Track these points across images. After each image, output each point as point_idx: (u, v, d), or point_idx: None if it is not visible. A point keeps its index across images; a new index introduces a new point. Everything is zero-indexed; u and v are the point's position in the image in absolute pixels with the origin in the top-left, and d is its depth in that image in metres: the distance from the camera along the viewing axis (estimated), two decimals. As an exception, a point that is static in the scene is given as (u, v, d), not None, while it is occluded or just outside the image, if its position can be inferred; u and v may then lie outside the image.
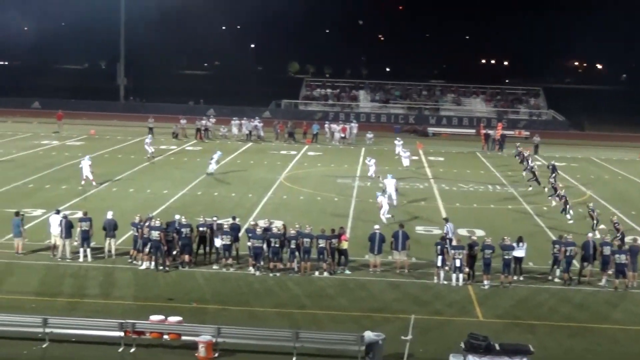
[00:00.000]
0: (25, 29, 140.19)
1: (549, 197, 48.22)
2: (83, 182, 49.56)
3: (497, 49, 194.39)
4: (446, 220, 36.32)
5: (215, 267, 33.01)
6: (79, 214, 35.62)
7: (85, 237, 33.48)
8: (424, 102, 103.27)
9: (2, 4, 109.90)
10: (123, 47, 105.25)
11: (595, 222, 40.50)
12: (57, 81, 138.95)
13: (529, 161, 57.71)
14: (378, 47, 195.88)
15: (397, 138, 67.45)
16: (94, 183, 49.67)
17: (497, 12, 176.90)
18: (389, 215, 42.18)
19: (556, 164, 54.83)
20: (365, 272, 33.29)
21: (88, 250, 33.57)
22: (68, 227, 33.45)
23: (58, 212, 34.69)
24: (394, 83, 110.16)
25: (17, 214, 34.79)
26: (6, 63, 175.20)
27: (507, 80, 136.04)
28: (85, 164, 50.08)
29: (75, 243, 33.93)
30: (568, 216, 43.80)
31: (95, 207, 39.99)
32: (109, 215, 34.33)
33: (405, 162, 60.30)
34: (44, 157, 60.31)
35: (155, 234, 32.32)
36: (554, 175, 51.94)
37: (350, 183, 54.01)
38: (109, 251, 34.11)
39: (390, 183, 46.57)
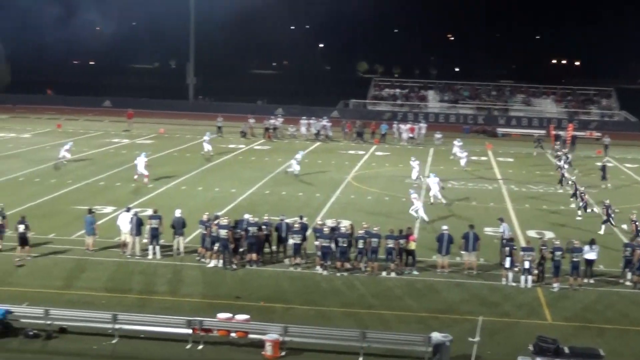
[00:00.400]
0: (98, 28, 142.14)
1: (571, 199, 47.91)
2: (136, 178, 50.53)
3: (568, 49, 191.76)
4: (501, 220, 35.92)
5: (287, 261, 33.10)
6: (149, 212, 36.03)
7: (155, 235, 33.86)
8: (493, 103, 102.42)
9: (75, 5, 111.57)
10: (193, 46, 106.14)
11: (606, 217, 40.48)
12: (128, 80, 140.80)
13: (563, 161, 57.65)
14: (447, 47, 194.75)
15: (457, 139, 66.80)
16: (145, 180, 50.37)
17: (568, 12, 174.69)
18: (424, 215, 42.01)
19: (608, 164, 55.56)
20: (432, 272, 33.12)
21: (157, 247, 33.95)
22: (138, 225, 33.87)
23: (128, 209, 35.15)
24: (463, 83, 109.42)
25: (90, 211, 35.34)
26: (79, 62, 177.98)
27: (578, 81, 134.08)
28: (141, 161, 50.88)
29: (145, 240, 34.35)
30: (579, 212, 44.26)
31: (164, 205, 40.42)
32: (178, 213, 34.69)
33: (463, 163, 59.91)
34: (114, 155, 61.15)
35: (223, 233, 32.55)
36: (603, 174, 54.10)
37: (418, 183, 53.76)
38: (178, 249, 34.46)
39: (432, 182, 46.75)
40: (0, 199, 40.12)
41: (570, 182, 51.01)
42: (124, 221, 34.22)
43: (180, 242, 34.54)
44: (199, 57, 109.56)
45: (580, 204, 44.46)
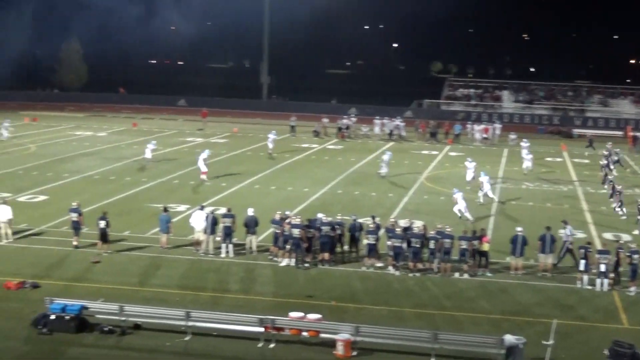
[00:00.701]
0: (173, 28, 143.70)
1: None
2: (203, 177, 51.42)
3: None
4: (565, 223, 35.34)
5: (363, 268, 33.10)
6: (222, 210, 36.32)
7: (228, 233, 34.12)
8: (569, 103, 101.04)
9: (151, 6, 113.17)
10: (267, 46, 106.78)
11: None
12: (203, 79, 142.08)
13: (610, 160, 57.22)
14: (522, 47, 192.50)
15: (524, 140, 65.64)
16: (204, 177, 51.29)
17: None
18: (468, 215, 41.82)
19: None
20: (506, 274, 32.81)
21: (230, 246, 34.20)
22: (213, 224, 34.16)
23: (202, 208, 35.51)
24: (538, 83, 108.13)
25: (165, 209, 35.76)
26: (155, 62, 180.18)
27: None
28: (201, 158, 51.74)
29: (218, 239, 34.64)
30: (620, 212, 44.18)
31: (237, 203, 40.69)
32: (250, 212, 34.92)
33: (527, 164, 58.18)
34: (188, 154, 61.78)
35: (296, 232, 32.67)
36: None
37: (493, 184, 53.29)
38: (250, 247, 34.69)
39: (484, 180, 46.50)
40: (76, 197, 40.82)
41: (610, 182, 50.31)
42: (198, 219, 34.55)
43: (253, 241, 34.75)
44: (273, 56, 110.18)
45: (614, 204, 44.35)
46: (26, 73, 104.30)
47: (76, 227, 34.72)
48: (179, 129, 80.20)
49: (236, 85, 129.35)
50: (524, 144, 63.40)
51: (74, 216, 34.70)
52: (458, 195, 42.63)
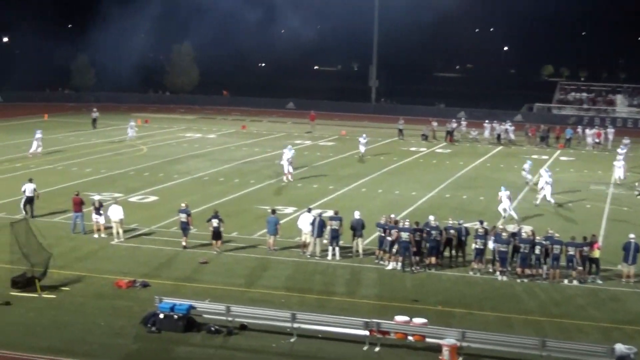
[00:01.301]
0: (283, 31, 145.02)
1: None
2: (288, 176, 52.31)
3: None
4: None
5: (470, 272, 32.81)
6: (330, 213, 36.46)
7: (335, 236, 34.23)
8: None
9: (262, 9, 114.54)
10: (376, 49, 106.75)
11: None
12: (311, 83, 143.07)
13: None
14: (637, 49, 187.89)
15: (621, 146, 63.44)
16: (290, 178, 52.12)
17: None
18: (513, 213, 41.70)
19: None
20: (617, 282, 32.07)
21: (337, 248, 34.30)
22: (321, 226, 34.29)
23: (309, 210, 35.68)
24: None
25: (273, 211, 36.04)
26: (264, 65, 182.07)
27: None
28: (286, 156, 52.71)
29: (325, 241, 34.77)
30: None
31: (344, 206, 40.76)
32: (357, 215, 34.96)
33: (618, 174, 55.71)
34: (296, 157, 62.12)
35: (405, 235, 32.55)
36: None
37: (604, 190, 52.23)
38: (357, 250, 34.73)
39: (504, 195, 44.76)
40: (185, 198, 41.51)
41: None
42: (305, 222, 34.73)
43: (359, 244, 34.79)
44: (382, 59, 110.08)
45: None
46: (140, 76, 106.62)
47: (185, 227, 35.33)
48: (287, 131, 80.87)
49: (345, 88, 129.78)
50: (620, 150, 61.26)
51: (182, 217, 35.33)
52: (504, 194, 42.16)
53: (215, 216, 34.92)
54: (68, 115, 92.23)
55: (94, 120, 79.54)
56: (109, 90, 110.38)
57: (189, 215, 35.40)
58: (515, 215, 41.58)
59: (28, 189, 40.71)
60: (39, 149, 60.27)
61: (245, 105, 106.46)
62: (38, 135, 60.83)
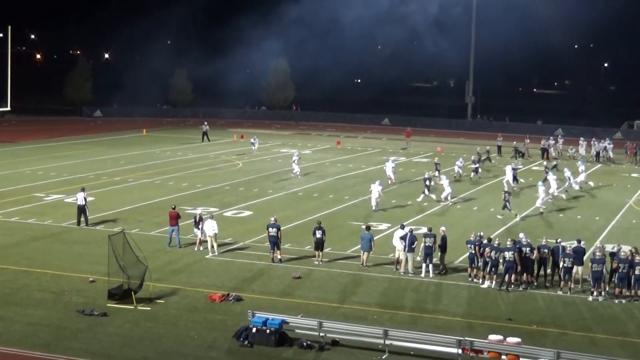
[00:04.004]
0: (379, 47, 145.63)
1: None
2: (390, 182, 55.21)
3: None
4: None
5: (559, 292, 32.32)
6: (423, 230, 36.33)
7: (428, 253, 34.07)
8: None
9: (358, 25, 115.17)
10: (472, 65, 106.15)
11: None
12: (407, 99, 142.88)
13: None
14: None
15: None
16: (393, 180, 55.96)
17: None
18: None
19: None
20: None
21: (430, 266, 34.14)
22: (411, 241, 34.21)
23: (403, 227, 35.59)
24: None
25: (367, 228, 36.08)
26: (359, 81, 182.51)
27: None
28: (389, 166, 56.78)
29: (418, 258, 34.66)
30: None
31: (438, 223, 40.47)
32: (444, 231, 34.76)
33: None
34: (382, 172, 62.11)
35: (508, 254, 32.18)
36: None
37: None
38: (442, 267, 34.54)
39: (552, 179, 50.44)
40: (279, 213, 41.92)
41: None
42: (399, 238, 34.65)
43: (444, 261, 34.72)
44: (479, 75, 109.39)
45: None
46: (236, 92, 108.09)
47: (274, 242, 35.54)
48: (382, 147, 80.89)
49: (441, 104, 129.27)
50: None
51: (272, 231, 35.53)
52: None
53: (319, 227, 35.46)
54: (166, 130, 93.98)
55: (205, 134, 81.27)
56: (205, 106, 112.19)
57: (278, 229, 35.63)
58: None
59: (79, 198, 41.59)
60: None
61: (340, 121, 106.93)
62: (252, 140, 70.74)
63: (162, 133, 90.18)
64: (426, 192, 50.31)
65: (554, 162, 61.36)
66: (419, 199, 50.29)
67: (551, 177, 52.86)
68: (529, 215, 47.46)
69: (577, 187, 56.03)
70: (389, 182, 55.91)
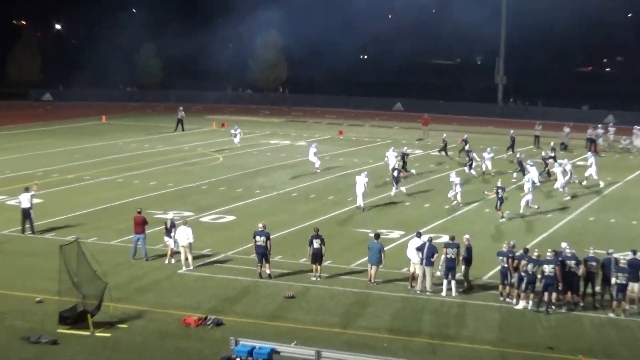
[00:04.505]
0: (390, 17, 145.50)
1: None
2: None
3: None
4: None
5: (610, 314, 32.18)
6: (445, 239, 36.17)
7: (451, 267, 33.88)
8: None
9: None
10: (504, 38, 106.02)
11: None
12: (424, 79, 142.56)
13: None
14: None
15: None
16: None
17: None
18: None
19: None
20: None
21: (453, 282, 33.96)
22: (430, 252, 34.00)
23: (419, 235, 35.38)
24: None
25: (376, 236, 35.76)
26: (366, 57, 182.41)
27: None
28: (391, 155, 57.69)
29: (438, 273, 34.50)
30: None
31: (462, 230, 40.23)
32: (468, 239, 34.58)
33: None
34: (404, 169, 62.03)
35: (548, 268, 31.99)
36: None
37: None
38: (467, 284, 34.39)
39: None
40: (269, 218, 41.86)
41: None
42: (414, 249, 34.45)
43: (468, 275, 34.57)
44: (512, 51, 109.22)
45: None
46: (217, 71, 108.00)
47: (263, 253, 35.31)
48: (393, 138, 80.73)
49: (465, 86, 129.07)
50: None
51: (260, 240, 35.31)
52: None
53: (317, 236, 35.32)
54: (131, 116, 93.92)
55: (180, 122, 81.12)
56: (179, 88, 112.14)
57: (268, 238, 35.42)
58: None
59: (24, 200, 41.40)
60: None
61: (342, 106, 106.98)
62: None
63: (126, 120, 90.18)
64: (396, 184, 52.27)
65: (551, 153, 61.49)
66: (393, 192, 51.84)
67: (558, 168, 54.61)
68: (574, 220, 47.37)
69: (583, 184, 57.40)
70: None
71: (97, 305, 29.72)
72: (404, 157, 60.15)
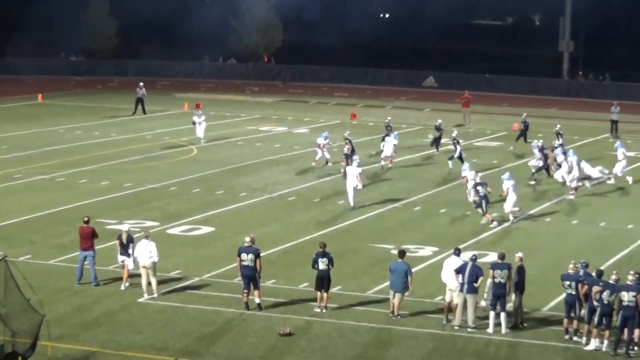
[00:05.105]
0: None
1: None
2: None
3: None
4: None
5: None
6: (492, 257, 36.18)
7: (500, 295, 33.83)
8: None
9: None
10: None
11: None
12: (464, 45, 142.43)
13: None
14: None
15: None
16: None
17: None
18: None
19: None
20: None
21: (503, 315, 33.94)
22: (473, 276, 33.95)
23: (458, 252, 35.35)
24: None
25: (401, 254, 35.38)
26: (387, 16, 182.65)
27: None
28: (391, 142, 59.68)
29: (483, 303, 34.49)
30: None
31: (516, 247, 40.24)
32: (521, 259, 34.55)
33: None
34: (437, 166, 61.90)
35: (628, 297, 31.98)
36: None
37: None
38: (523, 318, 34.42)
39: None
40: (258, 229, 42.01)
41: None
42: (452, 271, 34.43)
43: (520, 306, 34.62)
44: (581, 8, 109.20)
45: None
46: (191, 34, 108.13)
47: (249, 275, 35.02)
48: (423, 123, 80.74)
49: (518, 54, 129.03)
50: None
51: (246, 259, 35.27)
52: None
53: (323, 254, 35.27)
54: (75, 95, 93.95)
55: (140, 102, 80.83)
56: (139, 58, 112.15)
57: (257, 256, 35.44)
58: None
59: None
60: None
61: (356, 81, 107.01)
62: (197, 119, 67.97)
63: (69, 100, 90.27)
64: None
65: (559, 140, 62.09)
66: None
67: (573, 157, 55.69)
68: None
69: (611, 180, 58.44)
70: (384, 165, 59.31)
71: (31, 345, 29.70)
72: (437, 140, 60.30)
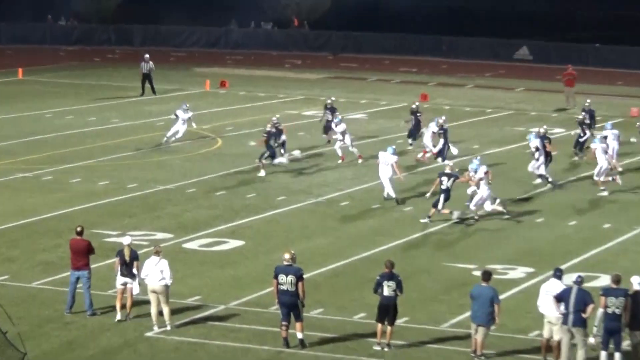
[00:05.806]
0: None
1: None
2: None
3: None
4: None
5: None
6: (604, 280, 36.15)
7: (614, 329, 33.75)
8: None
9: None
10: None
11: None
12: (566, 7, 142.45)
13: None
14: None
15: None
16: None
17: None
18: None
19: None
20: None
21: (618, 355, 33.81)
22: (580, 303, 33.75)
23: (559, 274, 35.14)
24: None
25: (486, 276, 35.20)
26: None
27: None
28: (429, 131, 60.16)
29: (592, 340, 34.35)
30: None
31: (636, 269, 40.11)
32: (636, 283, 34.44)
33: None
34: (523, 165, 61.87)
35: None
36: None
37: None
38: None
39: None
40: (299, 243, 42.10)
41: None
42: (553, 298, 34.35)
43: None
44: None
45: None
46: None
47: (289, 303, 35.18)
48: (515, 108, 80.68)
49: (637, 18, 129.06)
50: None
51: (285, 281, 34.98)
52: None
53: (390, 276, 35.13)
54: (66, 70, 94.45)
55: (147, 78, 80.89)
56: (147, 23, 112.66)
57: (299, 279, 35.42)
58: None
59: None
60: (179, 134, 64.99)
61: (427, 53, 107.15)
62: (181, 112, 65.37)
63: (58, 76, 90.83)
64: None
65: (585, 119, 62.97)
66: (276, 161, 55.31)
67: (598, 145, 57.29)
68: None
69: None
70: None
71: (10, 392, 29.94)
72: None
